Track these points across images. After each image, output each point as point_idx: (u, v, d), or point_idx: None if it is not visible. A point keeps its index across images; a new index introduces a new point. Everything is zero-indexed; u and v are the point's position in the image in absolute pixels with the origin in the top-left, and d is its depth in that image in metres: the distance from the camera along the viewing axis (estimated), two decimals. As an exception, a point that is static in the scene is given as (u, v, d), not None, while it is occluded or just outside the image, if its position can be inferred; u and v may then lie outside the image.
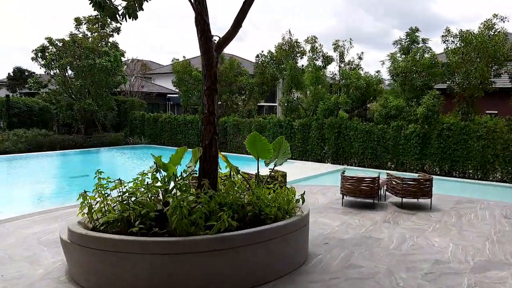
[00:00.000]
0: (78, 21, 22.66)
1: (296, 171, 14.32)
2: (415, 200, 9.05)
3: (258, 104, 23.48)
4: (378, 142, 15.52)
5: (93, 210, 4.83)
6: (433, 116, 14.48)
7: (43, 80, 22.41)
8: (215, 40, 5.53)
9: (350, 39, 17.55)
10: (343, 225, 7.35)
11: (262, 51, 20.48)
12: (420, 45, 16.20)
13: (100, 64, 20.75)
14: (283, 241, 4.97)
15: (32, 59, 22.13)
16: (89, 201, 4.90)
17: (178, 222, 4.32)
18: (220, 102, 23.91)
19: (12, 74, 45.60)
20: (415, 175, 10.76)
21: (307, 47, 17.77)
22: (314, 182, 12.62)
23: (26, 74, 43.92)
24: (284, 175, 8.80)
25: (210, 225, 4.46)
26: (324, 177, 13.97)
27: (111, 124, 25.19)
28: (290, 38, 18.40)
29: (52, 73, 21.87)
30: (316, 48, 17.55)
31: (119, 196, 4.93)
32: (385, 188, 9.53)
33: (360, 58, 18.01)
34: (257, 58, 20.65)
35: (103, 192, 4.96)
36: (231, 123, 19.64)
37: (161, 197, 5.25)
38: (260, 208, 5.07)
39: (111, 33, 28.90)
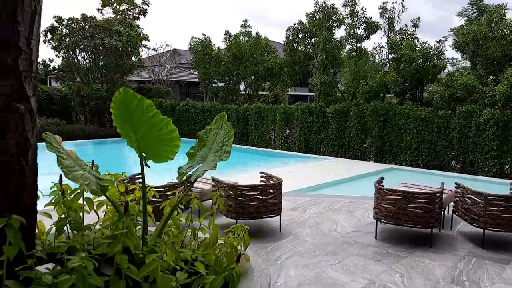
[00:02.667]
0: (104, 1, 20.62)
1: (323, 172, 10.79)
2: (507, 234, 5.31)
3: (291, 93, 20.00)
4: (438, 133, 11.54)
5: None
6: (519, 98, 10.32)
7: (52, 63, 20.47)
8: None
9: (402, 0, 13.54)
10: (372, 288, 3.89)
11: (294, 24, 16.94)
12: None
13: (109, 43, 18.31)
14: None
15: (44, 41, 20.25)
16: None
17: None
18: (244, 87, 20.73)
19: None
20: (497, 183, 6.88)
21: (346, 11, 13.94)
22: (344, 189, 9.07)
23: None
24: (276, 186, 5.47)
25: None
26: (360, 181, 10.32)
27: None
28: (325, 3, 14.65)
29: (61, 55, 19.85)
30: (357, 12, 13.72)
31: None
32: (452, 207, 5.85)
33: (415, 25, 13.95)
34: (287, 33, 17.11)
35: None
36: (253, 111, 16.37)
37: None
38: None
39: (137, 15, 26.70)
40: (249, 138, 16.64)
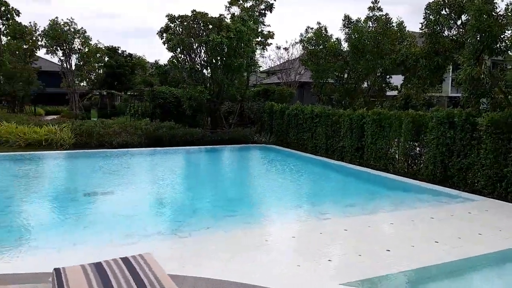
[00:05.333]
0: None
1: (473, 236, 6.31)
2: None
3: (431, 93, 14.97)
4: None
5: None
6: None
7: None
8: None
9: None
10: None
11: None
12: None
13: (214, 41, 16.46)
14: None
15: (163, 43, 19.77)
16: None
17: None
18: (366, 86, 16.42)
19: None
20: None
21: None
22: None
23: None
24: None
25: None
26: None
27: (255, 116, 20.91)
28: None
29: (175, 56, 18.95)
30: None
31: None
32: None
33: None
34: (426, 11, 12.30)
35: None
36: (370, 118, 12.21)
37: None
38: None
39: (262, 11, 24.77)
40: (364, 155, 12.55)
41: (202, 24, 17.28)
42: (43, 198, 9.03)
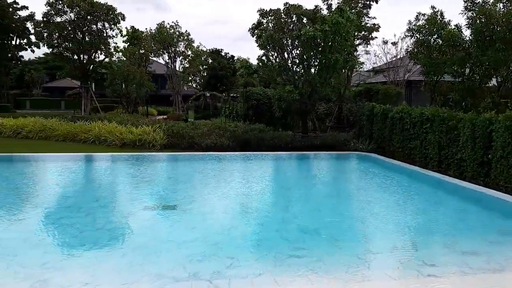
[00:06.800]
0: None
1: None
2: None
3: None
4: None
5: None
6: None
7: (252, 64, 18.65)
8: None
9: None
10: None
11: None
12: None
13: (306, 34, 14.72)
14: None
15: (256, 41, 18.75)
16: None
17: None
18: (496, 83, 12.99)
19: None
20: None
21: None
22: None
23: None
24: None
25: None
26: None
27: (354, 119, 18.64)
28: None
29: (264, 54, 17.68)
30: None
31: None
32: None
33: None
34: None
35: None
36: (501, 125, 9.24)
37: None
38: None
39: (367, 1, 22.34)
40: (492, 173, 9.59)
41: (295, 18, 15.68)
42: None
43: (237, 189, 10.39)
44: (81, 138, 18.60)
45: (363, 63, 19.61)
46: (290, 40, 15.59)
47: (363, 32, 20.29)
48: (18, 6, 47.12)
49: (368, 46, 21.51)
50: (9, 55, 50.89)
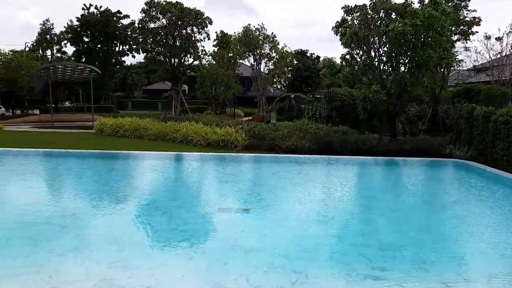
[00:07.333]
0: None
1: None
2: None
3: None
4: None
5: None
6: None
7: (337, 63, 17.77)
8: None
9: None
10: None
11: None
12: None
13: (395, 30, 13.62)
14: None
15: (340, 39, 18.01)
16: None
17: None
18: None
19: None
20: None
21: None
22: None
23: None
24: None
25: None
26: None
27: (451, 122, 16.93)
28: None
29: (348, 52, 16.79)
30: None
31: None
32: None
33: None
34: None
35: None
36: None
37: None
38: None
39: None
40: None
41: (382, 13, 14.64)
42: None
43: (314, 195, 9.89)
44: (170, 137, 19.61)
45: (461, 60, 17.62)
46: (377, 37, 14.58)
47: (461, 27, 18.28)
48: (121, 15, 51.74)
49: (468, 42, 19.32)
50: (113, 60, 56.18)
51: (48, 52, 57.93)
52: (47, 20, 60.98)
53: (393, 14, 14.82)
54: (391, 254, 5.90)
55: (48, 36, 55.84)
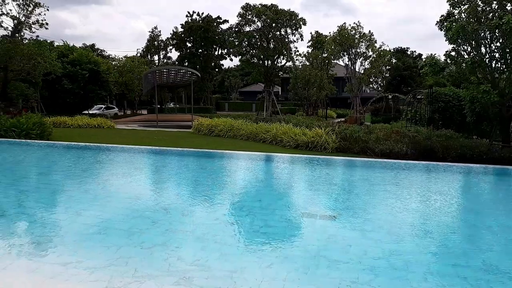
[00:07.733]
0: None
1: None
2: None
3: None
4: None
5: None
6: None
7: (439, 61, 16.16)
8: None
9: None
10: None
11: None
12: None
13: (509, 23, 11.96)
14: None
15: (444, 35, 16.50)
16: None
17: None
18: None
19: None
20: None
21: None
22: None
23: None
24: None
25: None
26: None
27: None
28: None
29: (454, 49, 15.19)
30: None
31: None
32: None
33: None
34: None
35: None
36: None
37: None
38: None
39: None
40: None
41: (495, 4, 12.95)
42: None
43: (409, 205, 9.09)
44: (260, 138, 19.91)
45: None
46: (488, 31, 12.95)
47: None
48: (221, 20, 54.12)
49: None
50: (213, 63, 59.07)
51: (156, 57, 63.20)
52: (155, 27, 66.68)
53: (508, 5, 13.03)
54: (497, 279, 5.09)
55: (156, 42, 60.92)
